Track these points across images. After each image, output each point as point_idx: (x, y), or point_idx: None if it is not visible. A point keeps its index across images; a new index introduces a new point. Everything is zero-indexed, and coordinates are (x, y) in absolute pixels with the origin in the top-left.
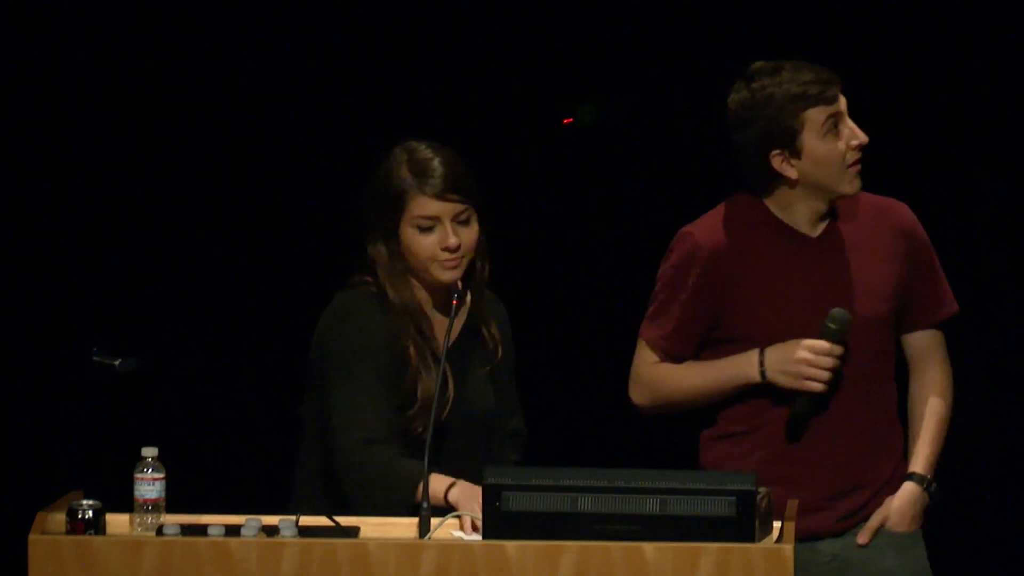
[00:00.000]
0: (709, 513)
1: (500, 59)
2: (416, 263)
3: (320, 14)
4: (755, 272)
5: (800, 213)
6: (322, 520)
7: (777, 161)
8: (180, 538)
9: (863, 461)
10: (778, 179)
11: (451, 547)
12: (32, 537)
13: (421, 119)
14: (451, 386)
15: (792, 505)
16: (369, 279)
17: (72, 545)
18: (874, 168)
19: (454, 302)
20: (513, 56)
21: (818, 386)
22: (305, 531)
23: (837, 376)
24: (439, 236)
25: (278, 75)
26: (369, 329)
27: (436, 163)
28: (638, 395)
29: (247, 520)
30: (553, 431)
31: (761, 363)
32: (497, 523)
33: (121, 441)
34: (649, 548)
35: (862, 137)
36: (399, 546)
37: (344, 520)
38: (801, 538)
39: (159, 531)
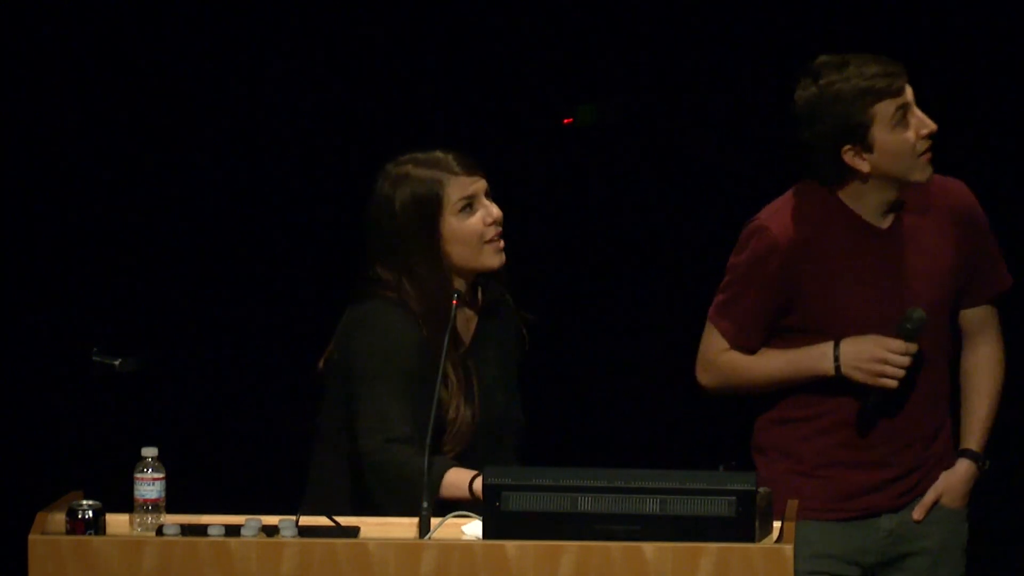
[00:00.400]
0: (709, 513)
1: (500, 59)
2: (466, 252)
3: (320, 15)
4: (829, 265)
5: (871, 203)
6: (322, 520)
7: (849, 156)
8: (180, 538)
9: (923, 442)
10: (850, 172)
11: (451, 547)
12: (32, 537)
13: (421, 120)
14: (477, 403)
15: (792, 505)
16: (388, 293)
17: (72, 545)
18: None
19: (454, 302)
20: (513, 56)
21: (892, 383)
22: (305, 531)
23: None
24: (481, 213)
25: (277, 75)
26: (399, 336)
27: (440, 153)
28: (707, 378)
29: (247, 520)
30: (553, 431)
31: (836, 358)
32: (497, 523)
33: (121, 441)
34: (649, 548)
35: (931, 125)
36: (399, 546)
37: (344, 520)
38: (862, 515)
39: (159, 531)
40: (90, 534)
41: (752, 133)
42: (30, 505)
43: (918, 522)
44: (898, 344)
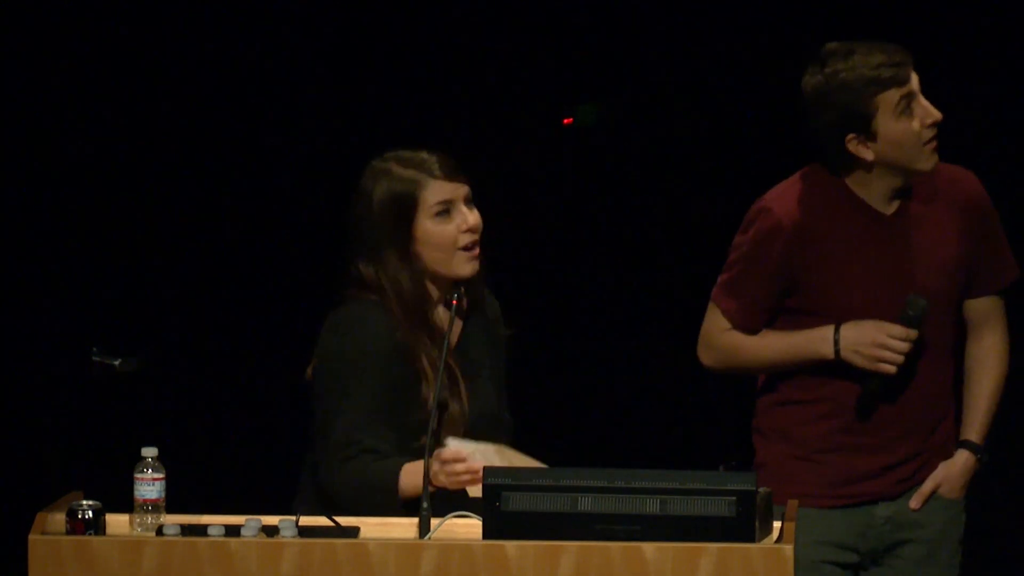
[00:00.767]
0: (709, 513)
1: (500, 59)
2: (438, 256)
3: (320, 15)
4: (833, 249)
5: (877, 190)
6: (322, 520)
7: (853, 144)
8: (180, 538)
9: (924, 430)
10: (855, 160)
11: (451, 547)
12: (32, 537)
13: (421, 120)
14: (464, 397)
15: (792, 505)
16: (368, 294)
17: (72, 545)
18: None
19: (454, 302)
20: (513, 56)
21: (892, 369)
22: (305, 531)
23: (907, 353)
24: (457, 220)
25: (276, 74)
26: (375, 340)
27: (426, 154)
28: (708, 358)
29: (247, 520)
30: (553, 431)
31: (836, 341)
32: (497, 523)
33: (121, 441)
34: (649, 548)
35: (936, 115)
36: (399, 546)
37: (344, 520)
38: (859, 502)
39: (159, 531)
40: (90, 534)
41: (752, 133)
42: (30, 505)
43: (915, 511)
44: (898, 330)
